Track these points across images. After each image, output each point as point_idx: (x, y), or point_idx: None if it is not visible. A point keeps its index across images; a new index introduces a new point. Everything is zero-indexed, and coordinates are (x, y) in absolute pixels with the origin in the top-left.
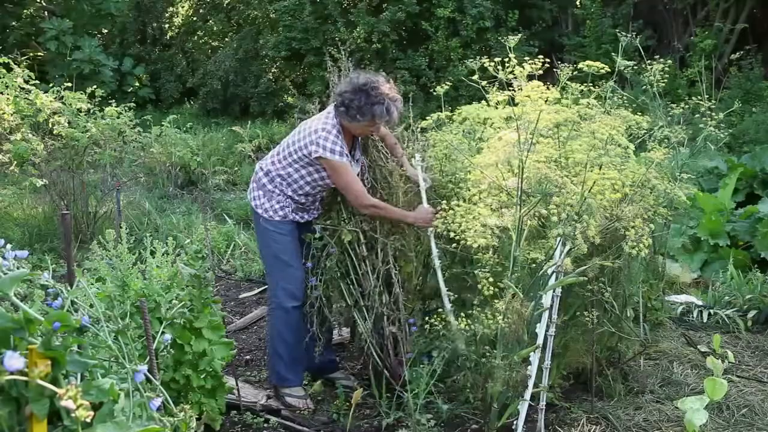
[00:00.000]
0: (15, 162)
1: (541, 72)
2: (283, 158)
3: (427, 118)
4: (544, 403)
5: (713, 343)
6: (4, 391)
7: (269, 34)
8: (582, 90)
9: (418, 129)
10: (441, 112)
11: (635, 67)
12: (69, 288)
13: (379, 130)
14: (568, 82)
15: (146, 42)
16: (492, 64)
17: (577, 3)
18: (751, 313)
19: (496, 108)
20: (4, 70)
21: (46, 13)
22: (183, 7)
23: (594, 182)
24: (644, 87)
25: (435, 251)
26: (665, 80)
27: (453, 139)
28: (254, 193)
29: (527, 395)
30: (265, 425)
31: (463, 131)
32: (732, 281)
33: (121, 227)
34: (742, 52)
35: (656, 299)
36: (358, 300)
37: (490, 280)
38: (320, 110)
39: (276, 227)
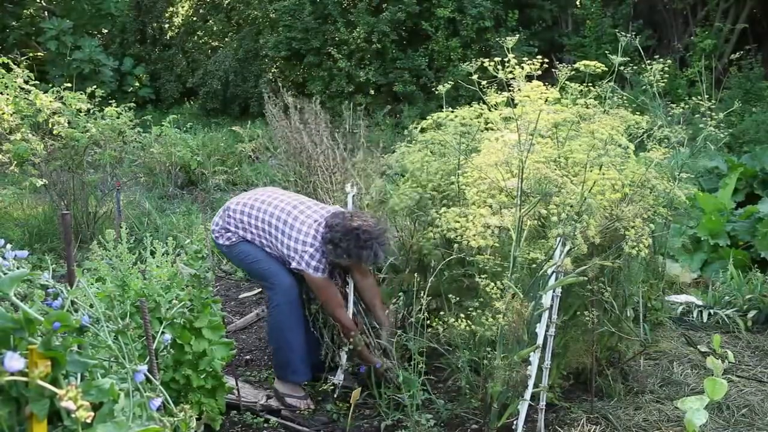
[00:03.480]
0: (15, 162)
1: (540, 72)
2: (261, 226)
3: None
4: (544, 403)
5: (713, 343)
6: (4, 392)
7: (269, 34)
8: (581, 90)
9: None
10: (442, 111)
11: (635, 67)
12: (69, 288)
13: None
14: (567, 82)
15: (146, 42)
16: (491, 64)
17: (577, 3)
18: (751, 313)
19: (490, 111)
20: (3, 71)
21: (46, 13)
22: (183, 7)
23: (594, 182)
24: (644, 87)
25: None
26: (665, 80)
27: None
28: (215, 227)
29: (527, 395)
30: (265, 425)
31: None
32: (732, 281)
33: (121, 227)
34: (742, 52)
35: (656, 299)
36: None
37: (488, 281)
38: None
39: (239, 246)
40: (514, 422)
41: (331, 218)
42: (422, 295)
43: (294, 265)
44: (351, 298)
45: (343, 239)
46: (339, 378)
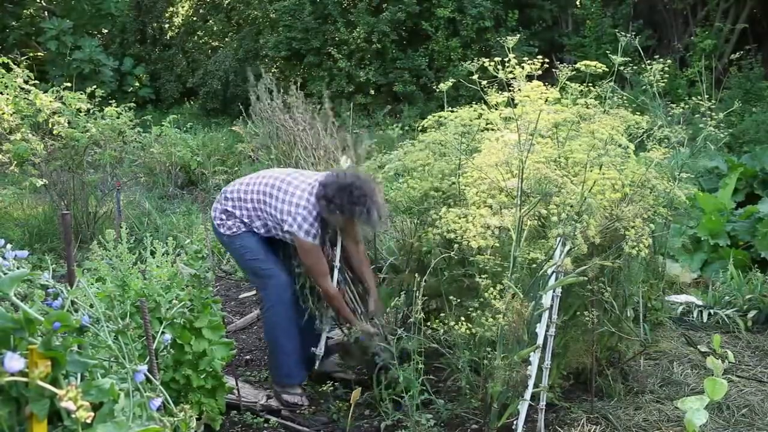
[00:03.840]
0: (15, 162)
1: (540, 72)
2: (256, 198)
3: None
4: (544, 403)
5: (713, 343)
6: (4, 392)
7: (269, 34)
8: (581, 90)
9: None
10: (442, 111)
11: (635, 67)
12: (69, 288)
13: (356, 228)
14: (568, 82)
15: (146, 42)
16: (492, 64)
17: (577, 3)
18: (751, 313)
19: (494, 110)
20: (3, 70)
21: (46, 13)
22: (183, 7)
23: (594, 182)
24: (644, 87)
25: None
26: (665, 80)
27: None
28: (216, 213)
29: (527, 395)
30: (265, 425)
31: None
32: (732, 281)
33: (121, 227)
34: (742, 52)
35: (656, 299)
36: None
37: (489, 282)
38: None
39: (241, 239)
40: (514, 422)
41: (326, 177)
42: (421, 294)
43: (286, 227)
44: (337, 264)
45: (336, 195)
46: (320, 350)
